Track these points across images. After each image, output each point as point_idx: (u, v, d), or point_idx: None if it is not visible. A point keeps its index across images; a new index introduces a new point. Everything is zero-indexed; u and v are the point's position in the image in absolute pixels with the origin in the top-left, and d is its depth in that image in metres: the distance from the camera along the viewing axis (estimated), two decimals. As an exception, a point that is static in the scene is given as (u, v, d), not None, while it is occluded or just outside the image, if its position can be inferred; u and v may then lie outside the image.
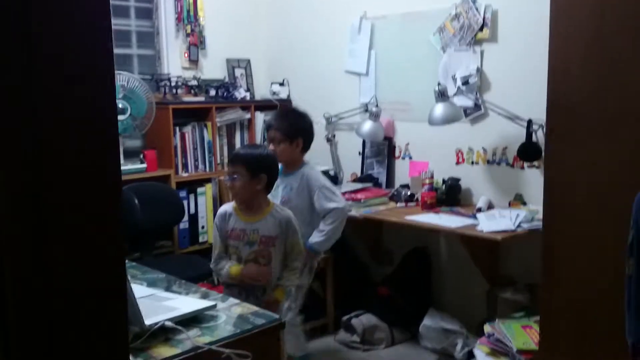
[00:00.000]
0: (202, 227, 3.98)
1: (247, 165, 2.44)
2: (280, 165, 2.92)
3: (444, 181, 3.56)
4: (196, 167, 4.02)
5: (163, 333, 1.70)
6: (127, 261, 2.46)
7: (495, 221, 3.03)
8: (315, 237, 2.97)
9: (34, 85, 0.73)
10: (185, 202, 3.86)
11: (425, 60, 3.67)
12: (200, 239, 3.99)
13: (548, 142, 2.51)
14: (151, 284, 2.19)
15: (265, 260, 2.46)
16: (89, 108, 0.79)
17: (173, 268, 3.46)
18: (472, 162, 3.55)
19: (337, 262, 3.67)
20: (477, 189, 3.52)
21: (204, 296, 2.05)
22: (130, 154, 3.90)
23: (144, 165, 3.76)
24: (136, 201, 3.37)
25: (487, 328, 2.93)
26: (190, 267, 3.52)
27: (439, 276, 3.74)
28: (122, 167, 3.65)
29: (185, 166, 3.96)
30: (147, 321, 1.69)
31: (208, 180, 4.02)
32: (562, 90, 2.37)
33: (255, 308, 1.94)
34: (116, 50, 3.97)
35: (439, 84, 3.34)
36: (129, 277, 2.26)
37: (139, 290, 2.03)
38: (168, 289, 2.12)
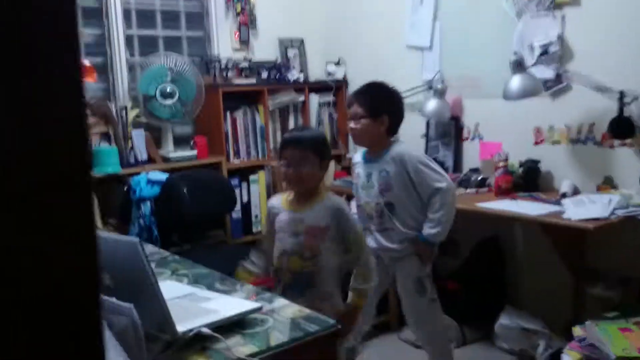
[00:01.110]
0: (256, 217, 3.75)
1: (314, 150, 2.08)
2: (362, 151, 2.66)
3: (520, 164, 3.19)
4: (248, 154, 3.78)
5: (199, 341, 1.45)
6: (169, 254, 2.24)
7: (585, 207, 2.65)
8: (428, 229, 2.55)
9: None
10: (237, 191, 3.63)
11: (497, 29, 3.29)
12: (254, 229, 3.76)
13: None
14: (193, 280, 1.95)
15: (312, 253, 2.14)
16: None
17: (224, 259, 3.25)
18: (553, 142, 3.16)
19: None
20: (560, 172, 3.13)
21: (249, 296, 1.79)
22: (181, 141, 3.71)
23: (195, 152, 3.56)
24: (185, 190, 3.16)
25: (577, 331, 2.55)
26: (242, 258, 3.28)
27: (515, 269, 3.37)
28: (172, 155, 3.47)
29: (237, 153, 3.73)
30: (182, 327, 1.44)
31: (261, 167, 3.78)
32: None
33: (308, 311, 1.66)
34: (164, 32, 3.78)
35: (515, 53, 2.96)
36: (169, 273, 2.04)
37: (176, 288, 1.80)
38: (211, 286, 1.88)
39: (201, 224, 3.47)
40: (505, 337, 3.06)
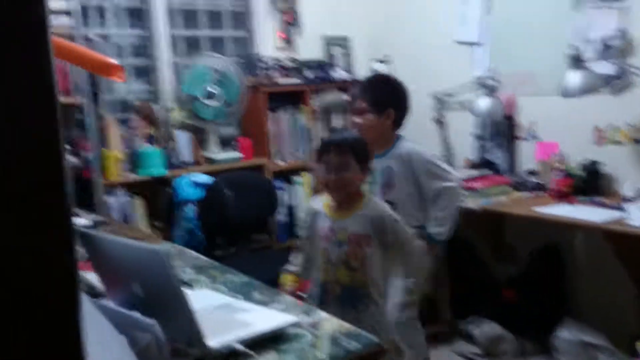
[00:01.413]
0: (301, 220, 3.66)
1: (356, 154, 1.97)
2: None
3: (580, 166, 2.99)
4: (292, 155, 3.70)
5: (231, 356, 1.36)
6: (208, 261, 2.17)
7: (652, 213, 2.45)
8: (432, 228, 2.47)
9: None
10: (281, 193, 3.56)
11: (553, 21, 3.11)
12: (299, 232, 3.66)
13: None
14: (231, 289, 1.87)
15: (358, 262, 2.03)
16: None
17: (268, 264, 3.19)
18: (615, 142, 2.95)
19: (452, 260, 3.20)
20: (623, 174, 2.92)
21: (289, 307, 1.69)
22: (225, 142, 3.66)
23: (239, 154, 3.50)
24: (229, 192, 3.10)
25: (642, 346, 2.36)
26: (286, 263, 3.21)
27: (575, 279, 3.17)
28: (217, 156, 3.42)
29: (281, 154, 3.65)
30: (212, 341, 1.36)
31: (305, 169, 3.69)
32: None
33: (350, 327, 1.55)
34: (208, 32, 3.74)
35: (572, 46, 2.77)
36: (207, 281, 1.97)
37: (212, 298, 1.72)
38: (249, 296, 1.79)
39: (245, 227, 3.41)
40: (564, 351, 2.87)
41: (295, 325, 1.52)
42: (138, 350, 1.18)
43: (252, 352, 1.36)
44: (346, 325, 1.55)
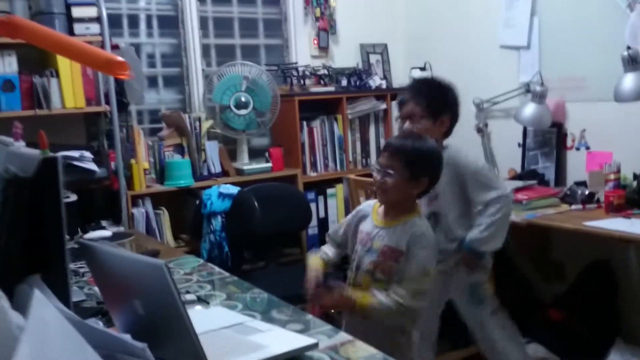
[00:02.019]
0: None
1: (407, 163, 1.84)
2: None
3: (635, 176, 2.75)
4: (326, 166, 3.57)
5: (241, 383, 1.22)
6: (229, 275, 2.04)
7: None
8: (474, 234, 2.26)
9: None
10: (313, 205, 3.42)
11: (605, 22, 2.90)
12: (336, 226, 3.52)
13: None
14: (249, 306, 1.73)
15: (384, 276, 1.86)
16: None
17: (296, 279, 3.05)
18: (677, 151, 2.71)
19: (494, 276, 2.98)
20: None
21: (309, 328, 1.54)
22: (256, 153, 3.56)
23: (269, 165, 3.39)
24: (256, 204, 2.98)
25: None
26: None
27: (629, 298, 2.91)
28: (246, 167, 3.32)
29: (313, 165, 3.53)
30: (219, 366, 1.22)
31: (339, 181, 3.55)
32: None
33: (372, 350, 1.39)
34: (242, 41, 3.66)
35: (628, 48, 2.55)
36: (224, 297, 1.84)
37: (225, 316, 1.59)
38: (266, 314, 1.65)
39: (275, 240, 3.28)
40: (618, 377, 2.63)
41: (313, 348, 1.38)
42: (128, 377, 1.05)
43: (261, 379, 1.22)
44: (370, 349, 1.40)
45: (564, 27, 3.12)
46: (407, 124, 2.28)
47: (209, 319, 1.56)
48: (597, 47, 2.95)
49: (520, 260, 3.30)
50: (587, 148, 3.07)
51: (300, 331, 1.51)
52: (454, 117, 2.30)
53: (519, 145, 3.37)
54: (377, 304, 1.78)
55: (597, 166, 2.93)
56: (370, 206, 1.99)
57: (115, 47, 2.97)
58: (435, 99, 2.27)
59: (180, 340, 1.22)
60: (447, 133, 2.31)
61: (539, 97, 3.05)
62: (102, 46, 2.84)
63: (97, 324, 1.30)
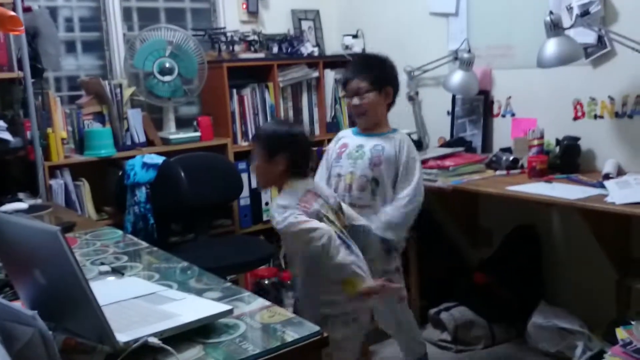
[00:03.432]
0: (266, 204, 3.47)
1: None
2: (353, 128, 2.51)
3: (558, 142, 2.82)
4: (257, 135, 3.49)
5: (149, 352, 1.17)
6: (147, 246, 1.97)
7: (631, 190, 2.29)
8: (387, 233, 2.31)
9: None
10: (245, 175, 3.35)
11: (532, -11, 2.93)
12: (264, 217, 3.47)
13: None
14: (165, 276, 1.67)
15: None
16: None
17: (228, 250, 3.00)
18: (595, 116, 2.79)
19: (421, 242, 3.03)
20: (603, 151, 2.76)
21: (227, 295, 1.50)
22: (184, 122, 3.45)
23: (198, 134, 3.29)
24: (182, 174, 2.89)
25: (621, 333, 2.20)
26: (248, 249, 3.03)
27: (552, 261, 3.01)
28: (174, 136, 3.21)
29: (244, 134, 3.45)
30: (126, 335, 1.16)
31: (270, 150, 3.48)
32: None
33: (289, 315, 1.37)
34: (166, 4, 3.51)
35: (550, 13, 2.58)
36: (140, 267, 1.77)
37: (138, 286, 1.53)
38: (183, 284, 1.60)
39: (205, 211, 3.20)
40: (538, 337, 2.74)
41: (227, 314, 1.34)
42: (19, 347, 0.98)
43: (168, 347, 1.17)
44: (287, 314, 1.37)
45: (492, -5, 3.14)
46: (355, 99, 2.39)
47: (120, 289, 1.49)
48: (523, 15, 2.98)
49: (446, 226, 3.36)
50: (513, 115, 3.13)
51: (218, 299, 1.47)
52: (395, 87, 2.45)
53: (448, 113, 3.40)
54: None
55: (522, 132, 2.99)
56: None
57: (27, 10, 2.78)
58: (377, 73, 2.41)
59: (83, 310, 1.16)
60: (392, 103, 2.46)
61: (467, 65, 3.07)
62: (14, 8, 2.65)
63: (-17, 294, 1.22)
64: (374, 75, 2.38)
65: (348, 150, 2.39)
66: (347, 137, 2.47)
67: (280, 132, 2.03)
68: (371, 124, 2.41)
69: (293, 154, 1.98)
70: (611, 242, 2.60)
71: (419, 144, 3.38)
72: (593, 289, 2.82)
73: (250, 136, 3.45)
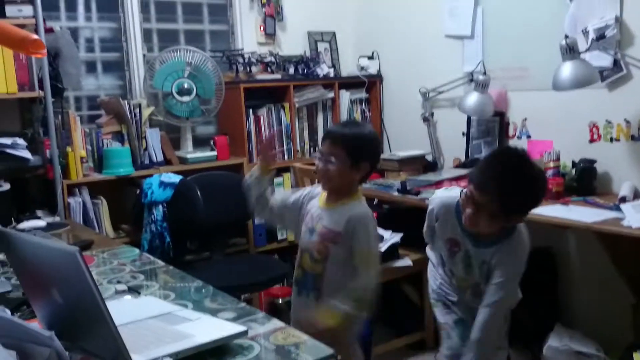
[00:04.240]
0: (281, 223, 3.48)
1: (348, 149, 1.86)
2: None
3: (574, 164, 2.81)
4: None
5: (163, 374, 1.18)
6: (164, 265, 1.99)
7: (649, 214, 2.26)
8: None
9: None
10: (260, 195, 3.37)
11: (547, 12, 2.95)
12: (279, 236, 3.49)
13: None
14: (181, 295, 1.69)
15: (320, 257, 1.91)
16: None
17: (242, 269, 3.01)
18: (612, 139, 2.78)
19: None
20: (619, 173, 2.74)
21: (241, 315, 1.51)
22: (201, 142, 3.49)
23: (214, 153, 3.32)
24: (198, 193, 2.92)
25: (638, 357, 2.18)
26: (262, 268, 3.04)
27: (568, 284, 2.98)
28: (191, 155, 3.24)
29: (260, 154, 3.47)
30: (141, 356, 1.18)
31: (286, 170, 3.51)
32: None
33: (303, 337, 1.37)
34: (186, 26, 3.57)
35: (566, 37, 2.59)
36: (157, 286, 1.79)
37: (154, 306, 1.54)
38: (199, 303, 1.61)
39: (220, 230, 3.22)
40: (555, 361, 2.69)
41: (242, 335, 1.34)
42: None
43: (183, 369, 1.18)
44: (302, 337, 1.38)
45: (507, 17, 3.15)
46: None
47: (136, 309, 1.51)
48: (538, 37, 2.99)
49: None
50: (529, 137, 3.12)
51: (232, 319, 1.48)
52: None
53: (463, 134, 3.40)
54: (348, 310, 1.79)
55: (538, 154, 2.97)
56: (319, 190, 2.01)
57: (49, 31, 2.85)
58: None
59: (99, 329, 1.17)
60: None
61: (482, 87, 3.08)
62: (36, 29, 2.72)
63: (3, 311, 1.24)
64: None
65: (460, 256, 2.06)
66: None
67: (367, 138, 1.93)
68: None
69: (375, 162, 1.97)
70: (628, 265, 2.58)
71: (434, 166, 3.39)
72: (609, 312, 2.79)
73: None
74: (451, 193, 2.08)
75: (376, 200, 3.39)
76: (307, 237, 1.96)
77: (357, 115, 3.82)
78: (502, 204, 1.79)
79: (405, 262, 2.91)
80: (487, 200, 1.80)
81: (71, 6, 3.20)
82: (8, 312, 1.35)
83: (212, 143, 3.37)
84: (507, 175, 1.81)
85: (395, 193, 3.00)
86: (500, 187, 1.79)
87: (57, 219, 2.71)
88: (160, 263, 2.01)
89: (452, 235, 2.01)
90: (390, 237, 2.89)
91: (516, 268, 2.01)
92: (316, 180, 2.55)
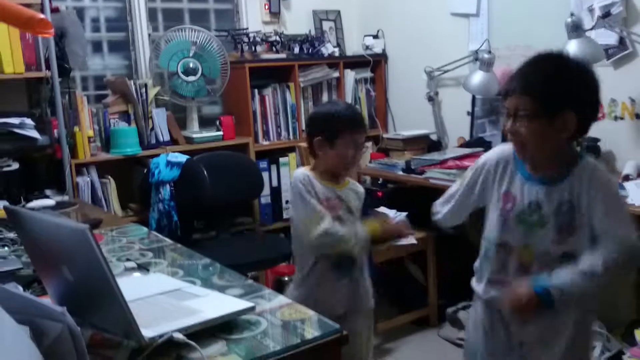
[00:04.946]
0: (286, 202, 3.51)
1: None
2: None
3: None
4: (278, 135, 3.54)
5: (173, 348, 1.22)
6: (172, 243, 2.02)
7: (652, 192, 2.28)
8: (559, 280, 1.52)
9: None
10: (265, 174, 3.40)
11: (553, -10, 2.92)
12: (285, 215, 3.52)
13: None
14: (189, 272, 1.72)
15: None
16: None
17: (248, 248, 3.06)
18: (616, 117, 2.78)
19: (439, 242, 3.05)
20: (623, 151, 2.75)
21: (248, 292, 1.54)
22: (207, 122, 3.51)
23: (220, 133, 3.34)
24: (205, 172, 2.94)
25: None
26: (269, 246, 3.07)
27: (571, 262, 3.00)
28: (196, 135, 3.26)
29: (265, 133, 3.49)
30: (151, 331, 1.21)
31: (291, 149, 3.53)
32: None
33: (309, 312, 1.40)
34: (190, 5, 3.57)
35: (571, 14, 2.58)
36: (165, 264, 1.83)
37: (163, 282, 1.58)
38: (207, 280, 1.65)
39: (226, 209, 3.26)
40: (557, 337, 2.72)
41: (250, 311, 1.38)
42: (49, 342, 1.03)
43: (192, 343, 1.21)
44: (307, 312, 1.41)
45: (513, -5, 3.14)
46: (509, 123, 1.55)
47: (145, 285, 1.54)
48: (544, 15, 2.98)
49: (466, 228, 3.36)
50: (533, 116, 3.12)
51: (240, 296, 1.51)
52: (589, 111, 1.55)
53: (467, 113, 3.40)
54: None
55: (542, 133, 2.99)
56: (305, 172, 1.92)
57: (55, 10, 2.85)
58: (555, 88, 1.50)
59: (109, 305, 1.20)
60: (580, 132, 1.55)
61: (487, 65, 3.07)
62: (42, 9, 2.73)
63: (16, 288, 1.27)
64: (550, 91, 1.50)
65: (518, 209, 1.62)
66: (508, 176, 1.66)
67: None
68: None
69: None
70: (631, 243, 2.59)
71: (438, 145, 3.40)
72: (611, 290, 2.81)
73: (271, 135, 3.50)
74: (503, 146, 1.69)
75: (381, 180, 3.41)
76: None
77: (362, 95, 3.83)
78: (541, 92, 1.46)
79: (410, 240, 2.93)
80: (522, 100, 1.48)
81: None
82: (20, 288, 1.38)
83: (217, 123, 3.39)
84: (536, 60, 1.57)
85: (400, 172, 3.02)
86: (530, 72, 1.53)
87: (65, 198, 2.74)
88: (168, 241, 2.04)
89: (508, 187, 1.62)
90: (395, 216, 2.92)
91: (615, 197, 1.53)
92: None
